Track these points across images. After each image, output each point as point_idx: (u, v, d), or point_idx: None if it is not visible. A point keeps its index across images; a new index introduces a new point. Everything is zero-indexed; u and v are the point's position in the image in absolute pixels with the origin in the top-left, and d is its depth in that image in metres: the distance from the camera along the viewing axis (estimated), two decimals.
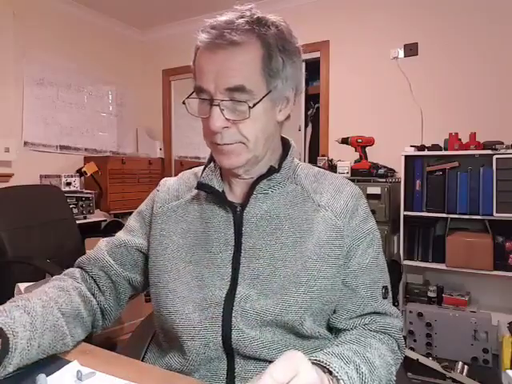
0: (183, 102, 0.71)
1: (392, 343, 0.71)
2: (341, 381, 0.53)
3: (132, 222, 0.86)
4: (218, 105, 0.66)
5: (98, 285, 0.80)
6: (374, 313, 0.73)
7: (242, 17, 0.67)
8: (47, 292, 0.70)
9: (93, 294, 0.79)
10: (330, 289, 0.70)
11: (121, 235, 0.85)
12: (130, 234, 0.84)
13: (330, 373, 0.54)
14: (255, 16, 0.68)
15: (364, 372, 0.58)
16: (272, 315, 0.67)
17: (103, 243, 0.85)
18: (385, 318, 0.73)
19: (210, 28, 0.66)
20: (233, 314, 0.67)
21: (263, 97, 0.67)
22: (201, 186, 0.77)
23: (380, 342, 0.68)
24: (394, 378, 0.66)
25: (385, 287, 0.75)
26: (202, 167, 0.82)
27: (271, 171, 0.74)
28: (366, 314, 0.72)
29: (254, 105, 0.66)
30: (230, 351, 0.68)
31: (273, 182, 0.74)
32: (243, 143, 0.69)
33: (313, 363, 0.52)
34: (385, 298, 0.74)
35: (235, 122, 0.67)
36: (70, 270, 0.83)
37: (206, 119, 0.69)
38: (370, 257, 0.74)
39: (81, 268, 0.83)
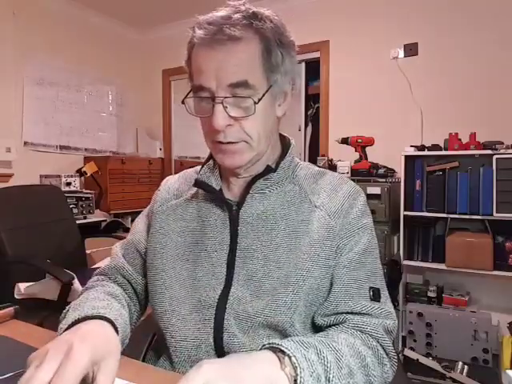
0: (183, 102, 0.69)
1: (369, 340, 0.65)
2: (292, 358, 0.50)
3: (138, 224, 0.86)
4: (222, 102, 0.64)
5: (126, 293, 0.79)
6: (351, 313, 0.68)
7: (237, 12, 0.65)
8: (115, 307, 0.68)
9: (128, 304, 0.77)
10: (316, 289, 0.68)
11: (131, 239, 0.84)
12: (138, 235, 0.83)
13: (283, 353, 0.51)
14: (251, 11, 0.66)
15: (326, 356, 0.55)
16: (262, 317, 0.66)
17: (118, 250, 0.84)
18: (363, 317, 0.67)
19: (207, 24, 0.64)
20: (225, 317, 0.67)
21: (266, 92, 0.66)
22: (198, 183, 0.76)
23: (352, 336, 0.63)
24: (375, 375, 0.62)
25: (374, 289, 0.70)
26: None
27: (267, 170, 0.73)
28: (341, 313, 0.68)
29: (259, 100, 0.65)
30: (221, 354, 0.67)
31: (270, 181, 0.73)
32: (246, 142, 0.68)
33: (265, 348, 0.53)
34: (374, 300, 0.69)
35: (239, 119, 0.66)
36: (97, 278, 0.80)
37: (207, 118, 0.67)
38: (355, 254, 0.70)
39: (106, 276, 0.81)
